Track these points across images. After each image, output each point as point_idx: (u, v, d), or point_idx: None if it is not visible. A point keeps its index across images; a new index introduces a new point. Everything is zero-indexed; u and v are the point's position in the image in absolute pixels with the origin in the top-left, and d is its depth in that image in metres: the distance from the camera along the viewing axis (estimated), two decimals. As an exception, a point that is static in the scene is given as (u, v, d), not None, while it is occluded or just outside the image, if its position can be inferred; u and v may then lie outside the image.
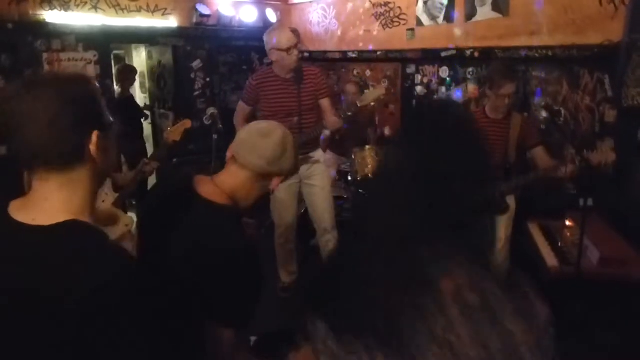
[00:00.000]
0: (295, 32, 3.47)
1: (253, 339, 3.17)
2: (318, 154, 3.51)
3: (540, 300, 0.84)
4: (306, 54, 5.33)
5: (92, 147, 1.00)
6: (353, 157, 3.91)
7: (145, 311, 0.94)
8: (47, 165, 0.98)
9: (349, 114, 3.23)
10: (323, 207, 3.49)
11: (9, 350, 0.92)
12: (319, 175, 3.49)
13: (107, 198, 2.65)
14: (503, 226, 3.12)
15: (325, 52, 5.21)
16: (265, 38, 3.28)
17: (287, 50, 3.20)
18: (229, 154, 1.50)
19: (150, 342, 0.95)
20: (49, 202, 0.98)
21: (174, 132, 2.95)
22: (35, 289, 0.89)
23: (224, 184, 1.44)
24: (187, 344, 1.17)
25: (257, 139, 1.46)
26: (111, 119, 1.07)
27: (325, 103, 3.42)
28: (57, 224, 0.95)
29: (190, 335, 1.22)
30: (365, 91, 3.37)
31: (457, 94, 4.13)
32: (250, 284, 1.35)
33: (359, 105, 3.21)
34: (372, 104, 3.26)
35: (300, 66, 3.33)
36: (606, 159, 2.58)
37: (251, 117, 3.52)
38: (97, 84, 1.31)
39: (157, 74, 5.45)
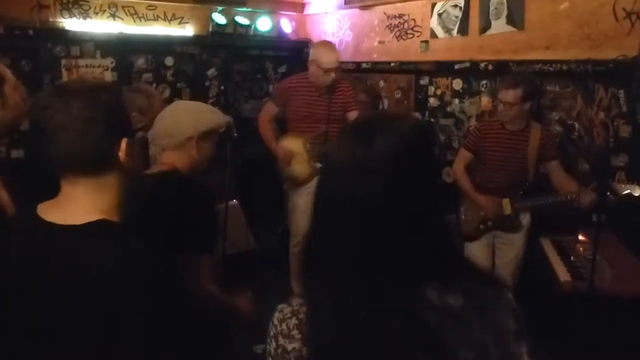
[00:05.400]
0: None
1: (262, 346, 3.16)
2: None
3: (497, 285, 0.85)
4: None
5: (122, 154, 1.04)
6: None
7: (171, 306, 0.98)
8: (79, 170, 1.02)
9: None
10: None
11: (41, 347, 0.95)
12: None
13: None
14: (517, 244, 3.12)
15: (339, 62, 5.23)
16: (312, 49, 3.40)
17: (325, 71, 3.28)
18: None
19: (175, 338, 0.98)
20: (80, 203, 1.02)
21: None
22: (66, 286, 0.93)
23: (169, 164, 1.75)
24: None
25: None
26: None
27: (352, 116, 3.50)
28: (89, 223, 0.99)
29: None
30: None
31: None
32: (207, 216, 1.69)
33: None
34: None
35: (335, 80, 3.41)
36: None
37: (274, 119, 3.66)
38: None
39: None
